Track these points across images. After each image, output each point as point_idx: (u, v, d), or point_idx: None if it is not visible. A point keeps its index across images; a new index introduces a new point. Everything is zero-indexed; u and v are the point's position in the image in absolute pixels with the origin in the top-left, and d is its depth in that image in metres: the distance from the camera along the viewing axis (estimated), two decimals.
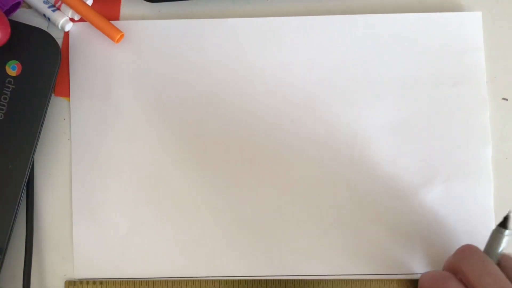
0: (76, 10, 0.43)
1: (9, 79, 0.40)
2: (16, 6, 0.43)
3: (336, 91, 0.42)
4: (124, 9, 0.44)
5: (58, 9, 0.43)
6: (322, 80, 0.42)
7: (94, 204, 0.42)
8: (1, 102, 0.40)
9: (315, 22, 0.43)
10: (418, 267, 0.41)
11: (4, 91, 0.40)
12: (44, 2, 0.43)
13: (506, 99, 0.43)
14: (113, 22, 0.43)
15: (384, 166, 0.42)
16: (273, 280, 0.41)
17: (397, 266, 0.41)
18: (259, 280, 0.41)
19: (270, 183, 0.42)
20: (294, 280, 0.41)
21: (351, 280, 0.41)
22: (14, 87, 0.40)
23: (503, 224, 0.37)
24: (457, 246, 0.38)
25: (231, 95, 0.42)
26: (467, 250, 0.37)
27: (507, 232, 0.37)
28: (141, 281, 0.41)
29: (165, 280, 0.41)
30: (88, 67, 0.43)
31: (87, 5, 0.43)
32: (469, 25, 0.43)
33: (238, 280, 0.41)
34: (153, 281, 0.41)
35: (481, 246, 0.37)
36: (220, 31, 0.43)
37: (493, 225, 0.41)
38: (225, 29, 0.43)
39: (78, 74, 0.43)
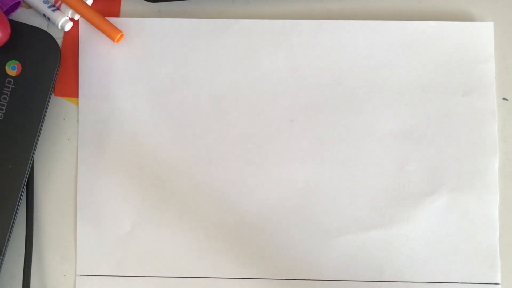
0: (76, 10, 0.43)
1: (9, 79, 0.40)
2: (16, 6, 0.43)
3: (345, 96, 0.42)
4: (124, 9, 0.44)
5: (58, 9, 0.43)
6: (331, 84, 0.42)
7: (98, 202, 0.42)
8: (1, 102, 0.40)
9: (326, 27, 0.43)
10: (420, 275, 0.41)
11: (4, 91, 0.40)
12: (44, 2, 0.43)
13: (506, 99, 0.43)
14: (113, 19, 0.43)
15: (390, 173, 0.42)
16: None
17: (399, 273, 0.41)
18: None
19: (275, 184, 0.42)
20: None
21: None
22: (14, 87, 0.40)
23: None
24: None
25: (234, 95, 0.42)
26: None
27: None
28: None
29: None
30: (91, 66, 0.43)
31: (87, 4, 0.43)
32: (481, 35, 0.43)
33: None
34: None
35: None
36: (224, 32, 0.43)
37: (497, 236, 0.41)
38: (230, 30, 0.43)
39: (83, 74, 0.43)
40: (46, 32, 0.41)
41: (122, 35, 0.43)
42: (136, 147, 0.42)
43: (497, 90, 0.43)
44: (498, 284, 0.41)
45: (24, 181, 0.40)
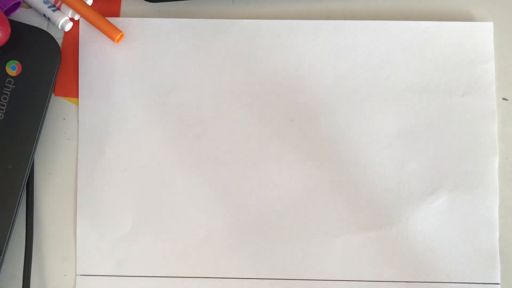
0: (76, 10, 0.43)
1: (9, 79, 0.40)
2: (16, 6, 0.43)
3: (345, 96, 0.42)
4: (124, 9, 0.44)
5: (58, 9, 0.43)
6: (331, 84, 0.42)
7: (98, 203, 0.42)
8: (1, 102, 0.40)
9: (326, 27, 0.43)
10: (420, 275, 0.41)
11: (4, 91, 0.40)
12: (44, 2, 0.43)
13: (506, 99, 0.43)
14: (113, 19, 0.43)
15: (390, 173, 0.42)
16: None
17: (399, 273, 0.41)
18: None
19: (275, 183, 0.42)
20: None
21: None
22: (14, 87, 0.40)
23: None
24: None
25: (233, 95, 0.42)
26: None
27: None
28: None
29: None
30: (91, 66, 0.43)
31: (87, 5, 0.43)
32: (481, 35, 0.43)
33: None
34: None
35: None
36: (224, 32, 0.43)
37: (497, 236, 0.41)
38: (230, 30, 0.43)
39: (83, 74, 0.43)
40: (46, 32, 0.41)
41: (122, 35, 0.43)
42: (136, 147, 0.42)
43: (497, 90, 0.43)
44: (498, 284, 0.41)
45: (24, 181, 0.40)
